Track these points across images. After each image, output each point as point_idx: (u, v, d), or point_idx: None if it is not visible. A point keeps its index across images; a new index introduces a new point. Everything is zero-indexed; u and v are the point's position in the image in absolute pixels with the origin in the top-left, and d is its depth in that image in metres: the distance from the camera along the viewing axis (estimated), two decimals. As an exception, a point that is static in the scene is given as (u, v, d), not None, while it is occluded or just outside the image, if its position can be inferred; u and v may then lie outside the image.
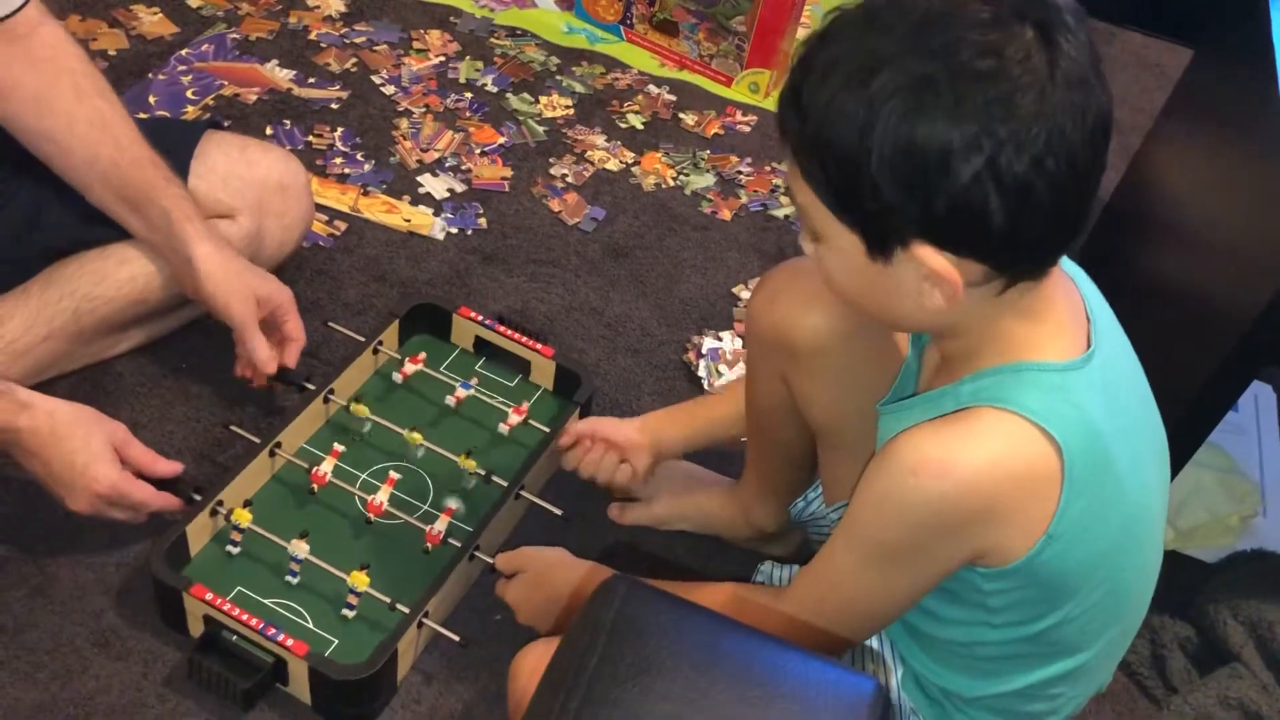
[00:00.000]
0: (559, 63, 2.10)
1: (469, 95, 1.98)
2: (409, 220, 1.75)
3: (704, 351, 1.64)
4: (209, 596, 1.18)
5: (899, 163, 0.80)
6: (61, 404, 1.21)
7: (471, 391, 1.46)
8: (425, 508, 1.37)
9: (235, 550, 1.28)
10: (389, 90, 1.96)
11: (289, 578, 1.27)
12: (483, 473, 1.36)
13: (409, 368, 1.48)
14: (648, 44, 2.17)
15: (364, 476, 1.39)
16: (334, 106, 1.91)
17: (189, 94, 1.87)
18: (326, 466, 1.34)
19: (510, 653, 1.09)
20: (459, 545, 1.29)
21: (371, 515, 1.32)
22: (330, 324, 1.50)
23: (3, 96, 1.29)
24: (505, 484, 1.35)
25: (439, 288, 1.67)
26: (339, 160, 1.82)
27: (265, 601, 1.26)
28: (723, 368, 1.62)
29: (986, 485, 0.88)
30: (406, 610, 1.22)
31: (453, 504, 1.35)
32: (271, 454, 1.35)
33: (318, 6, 2.10)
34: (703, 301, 1.73)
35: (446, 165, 1.86)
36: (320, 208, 1.71)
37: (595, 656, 0.82)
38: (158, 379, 1.48)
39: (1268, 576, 1.44)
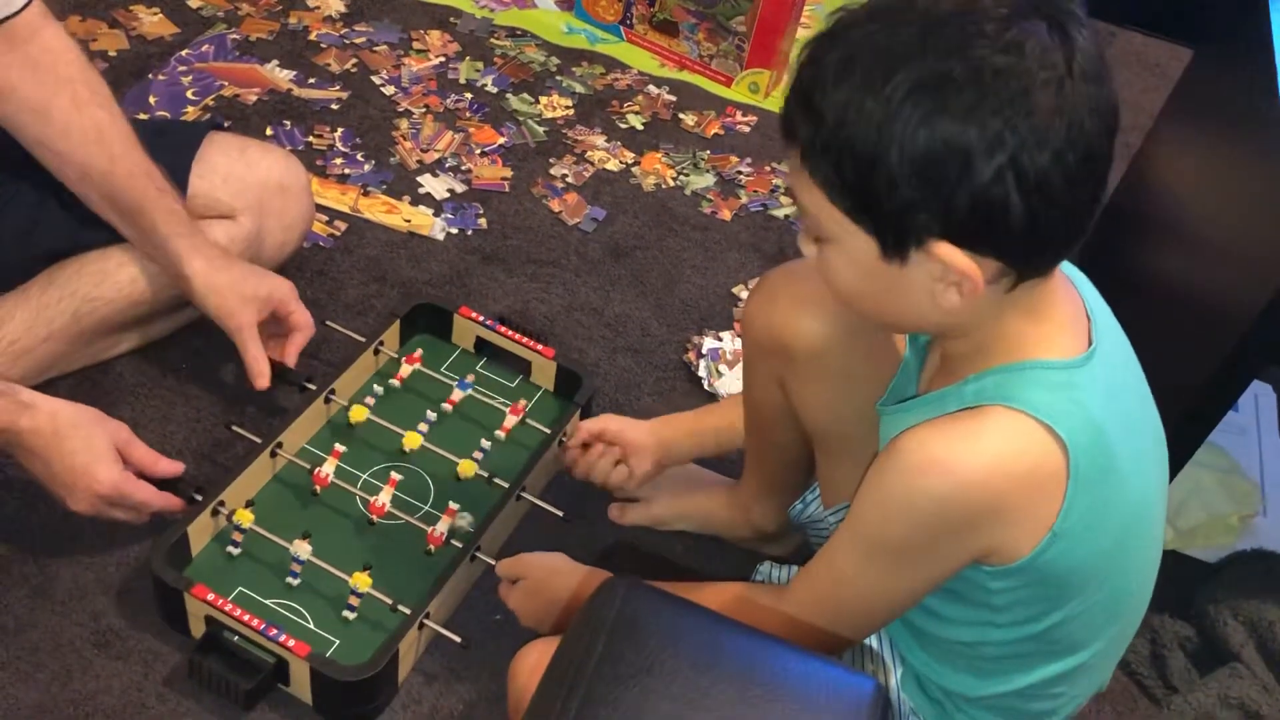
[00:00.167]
0: (559, 63, 2.10)
1: (469, 96, 1.98)
2: (409, 220, 1.75)
3: (704, 351, 1.64)
4: (210, 597, 1.18)
5: (920, 162, 0.79)
6: (63, 404, 1.21)
7: (471, 392, 1.47)
8: (426, 508, 1.37)
9: (237, 551, 1.29)
10: (389, 91, 1.96)
11: (290, 578, 1.27)
12: (484, 475, 1.37)
13: (405, 368, 1.48)
14: (648, 44, 2.17)
15: (365, 477, 1.39)
16: (334, 107, 1.91)
17: (189, 94, 1.87)
18: (328, 467, 1.34)
19: (511, 653, 1.09)
20: (460, 546, 1.29)
21: (373, 516, 1.33)
22: (330, 324, 1.50)
23: (1, 98, 1.29)
24: (506, 485, 1.35)
25: (439, 288, 1.67)
26: (339, 161, 1.82)
27: (266, 602, 1.26)
28: (723, 368, 1.62)
29: (993, 483, 0.88)
30: (408, 611, 1.22)
31: (454, 504, 1.35)
32: (273, 454, 1.35)
33: (318, 7, 2.10)
34: (703, 301, 1.73)
35: (446, 165, 1.86)
36: (320, 208, 1.71)
37: (596, 656, 0.82)
38: (158, 379, 1.48)
39: (1268, 576, 1.44)
